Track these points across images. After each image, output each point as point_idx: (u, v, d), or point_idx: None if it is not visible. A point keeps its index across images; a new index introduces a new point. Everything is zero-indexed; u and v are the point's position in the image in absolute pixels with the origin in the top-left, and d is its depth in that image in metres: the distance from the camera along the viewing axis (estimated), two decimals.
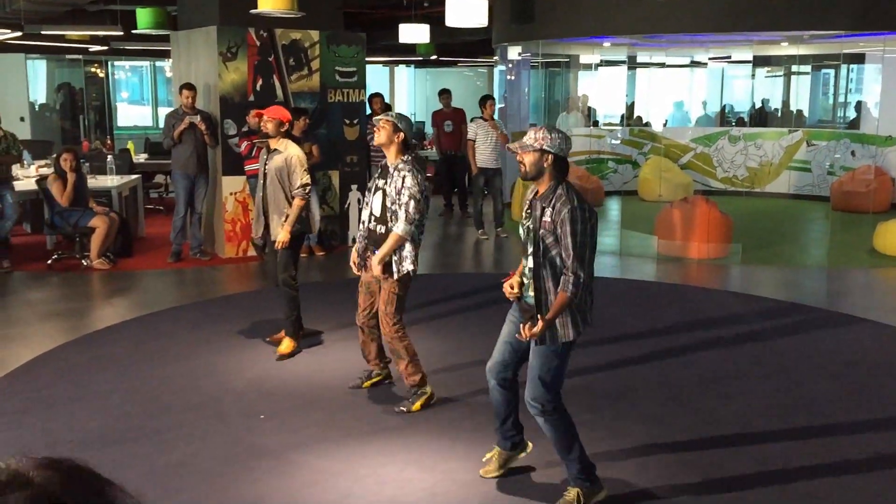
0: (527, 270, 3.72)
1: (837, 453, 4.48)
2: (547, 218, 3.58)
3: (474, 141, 10.32)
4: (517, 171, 11.53)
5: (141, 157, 12.95)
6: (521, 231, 3.79)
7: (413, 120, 12.70)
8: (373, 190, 4.99)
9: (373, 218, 4.96)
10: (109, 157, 10.79)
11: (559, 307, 3.57)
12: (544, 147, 3.60)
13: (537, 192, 3.71)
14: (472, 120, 11.10)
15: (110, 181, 10.02)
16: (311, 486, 4.06)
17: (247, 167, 8.84)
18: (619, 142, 14.88)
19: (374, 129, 10.01)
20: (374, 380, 5.35)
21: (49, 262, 8.81)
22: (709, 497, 3.97)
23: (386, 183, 4.88)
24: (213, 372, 5.66)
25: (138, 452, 4.41)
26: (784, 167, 14.31)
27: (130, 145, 12.86)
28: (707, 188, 14.26)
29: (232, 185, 9.20)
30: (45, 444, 4.50)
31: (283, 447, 4.48)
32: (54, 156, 10.01)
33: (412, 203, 4.76)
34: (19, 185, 9.28)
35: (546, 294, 3.65)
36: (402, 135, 4.87)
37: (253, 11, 7.92)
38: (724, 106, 16.15)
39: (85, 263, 8.71)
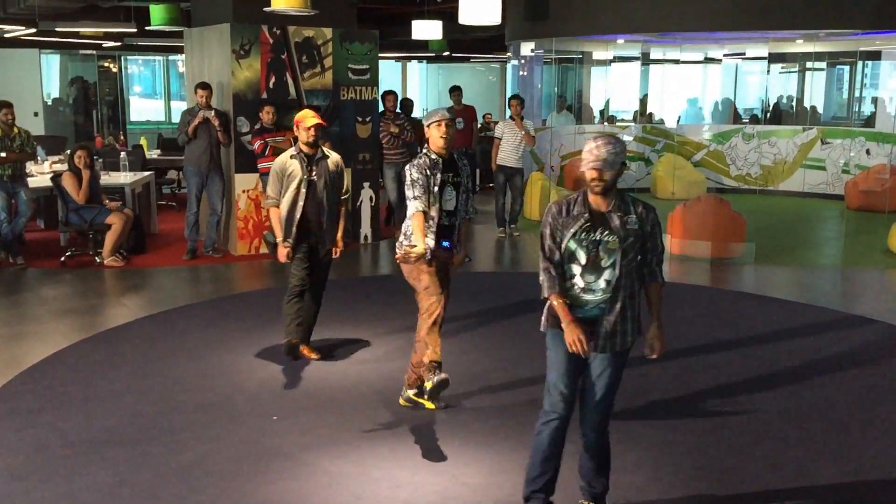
0: (602, 283, 3.52)
1: (852, 458, 4.45)
2: (633, 225, 3.49)
3: (500, 139, 10.32)
4: (531, 169, 11.32)
5: (154, 154, 13.00)
6: (579, 247, 3.51)
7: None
8: (441, 186, 4.77)
9: (446, 215, 4.83)
10: (123, 154, 10.83)
11: (662, 299, 3.63)
12: (624, 160, 3.50)
13: (591, 206, 3.51)
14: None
15: (123, 178, 10.06)
16: (323, 489, 4.07)
17: (260, 165, 8.85)
18: (632, 139, 14.82)
19: (386, 125, 9.90)
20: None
21: (62, 258, 8.86)
22: (724, 502, 3.94)
23: (456, 175, 4.87)
24: (226, 371, 5.67)
25: (151, 452, 4.43)
26: (798, 165, 14.22)
27: (143, 141, 12.92)
28: (720, 186, 14.19)
29: (245, 183, 9.21)
30: (59, 444, 4.52)
31: (295, 448, 4.49)
32: (68, 152, 10.06)
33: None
34: (33, 182, 9.32)
35: (634, 300, 3.58)
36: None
37: (266, 9, 7.93)
38: (733, 102, 16.05)
39: (98, 260, 8.75)
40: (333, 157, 5.80)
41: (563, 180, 13.40)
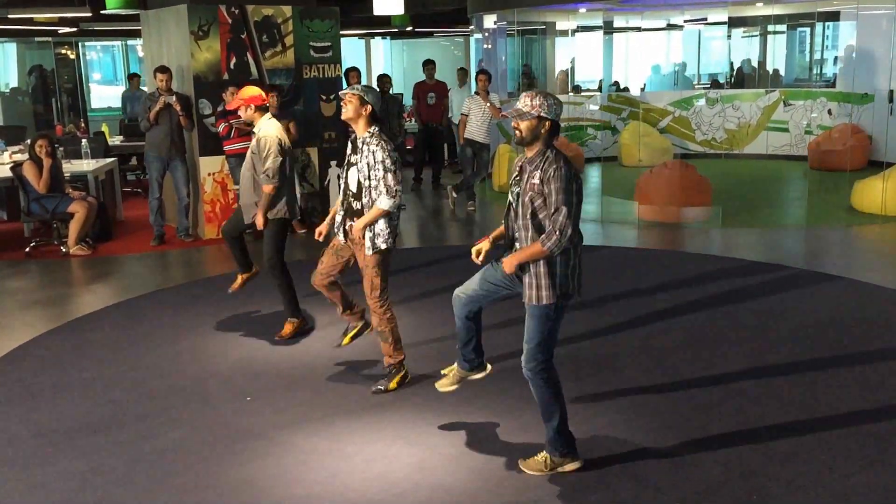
0: (518, 235, 3.77)
1: (818, 411, 4.54)
2: (535, 180, 3.65)
3: (467, 116, 10.25)
4: (498, 142, 11.37)
5: (116, 140, 12.82)
6: (510, 197, 3.84)
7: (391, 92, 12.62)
8: (346, 167, 4.97)
9: (350, 194, 4.94)
10: (84, 141, 10.67)
11: (529, 255, 3.69)
12: (542, 114, 3.64)
13: (525, 157, 3.79)
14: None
15: (86, 165, 9.92)
16: (299, 466, 4.09)
17: (226, 147, 8.77)
18: (597, 108, 14.86)
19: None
20: (353, 333, 5.32)
21: (27, 249, 8.75)
22: (692, 459, 4.02)
23: (358, 158, 4.84)
24: (198, 355, 5.66)
25: (125, 439, 4.41)
26: (762, 128, 14.35)
27: (105, 128, 12.72)
28: (686, 151, 14.30)
29: (210, 166, 9.13)
30: (31, 433, 4.50)
31: (269, 428, 4.50)
32: (28, 141, 9.90)
33: (389, 176, 4.74)
34: None
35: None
36: (369, 107, 4.80)
37: None
38: (697, 68, 16.11)
39: (63, 250, 8.65)
40: (259, 134, 5.77)
41: None
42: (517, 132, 3.69)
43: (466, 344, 4.27)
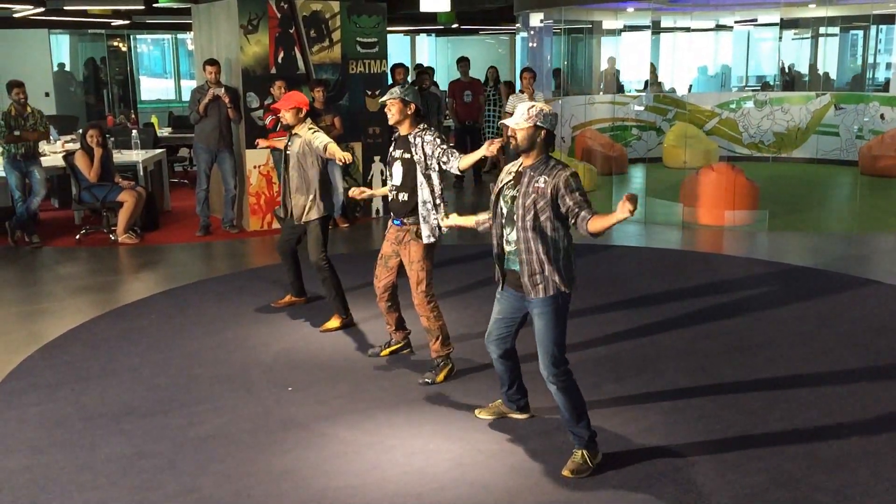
0: (511, 238, 3.89)
1: (866, 420, 4.46)
2: (540, 184, 3.76)
3: (511, 114, 10.24)
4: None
5: (165, 131, 13.03)
6: (501, 202, 3.92)
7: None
8: (391, 162, 5.05)
9: (394, 188, 5.02)
10: (134, 132, 10.85)
11: (609, 222, 3.64)
12: (538, 123, 3.78)
13: (521, 164, 3.89)
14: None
15: (135, 155, 10.09)
16: (339, 457, 4.12)
17: (273, 140, 8.85)
18: (642, 108, 14.71)
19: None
20: (393, 348, 5.46)
21: (77, 236, 8.93)
22: (736, 464, 3.97)
23: (406, 152, 4.94)
24: (241, 345, 5.73)
25: (169, 424, 4.49)
26: (811, 132, 14.10)
27: (154, 119, 12.93)
28: (733, 154, 14.10)
29: (256, 159, 9.23)
30: (79, 416, 4.59)
31: (311, 419, 4.54)
32: (80, 131, 10.10)
33: (446, 146, 4.88)
34: (46, 161, 9.37)
35: (537, 258, 3.80)
36: (413, 106, 4.94)
37: None
38: (720, 70, 15.83)
39: (112, 238, 8.81)
40: (302, 138, 5.86)
41: (573, 151, 13.36)
42: (513, 140, 3.82)
43: (510, 387, 4.40)
